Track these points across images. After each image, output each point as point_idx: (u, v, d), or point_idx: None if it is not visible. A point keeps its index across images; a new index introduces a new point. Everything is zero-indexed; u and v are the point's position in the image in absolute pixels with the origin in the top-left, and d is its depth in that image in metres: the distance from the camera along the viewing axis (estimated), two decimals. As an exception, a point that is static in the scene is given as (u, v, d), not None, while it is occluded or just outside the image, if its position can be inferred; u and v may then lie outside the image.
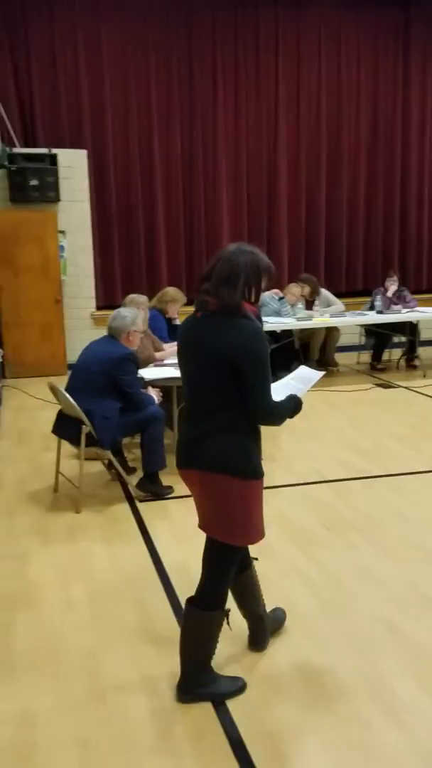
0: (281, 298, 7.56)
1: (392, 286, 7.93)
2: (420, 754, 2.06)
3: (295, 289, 7.58)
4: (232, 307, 2.14)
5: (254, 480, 2.19)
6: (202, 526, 2.28)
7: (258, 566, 2.58)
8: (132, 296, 5.15)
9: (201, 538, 3.60)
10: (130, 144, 8.50)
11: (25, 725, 2.24)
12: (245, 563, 2.46)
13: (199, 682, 2.31)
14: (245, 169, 9.02)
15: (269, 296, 7.55)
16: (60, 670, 2.53)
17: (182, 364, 2.30)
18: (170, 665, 2.52)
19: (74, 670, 2.52)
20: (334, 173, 9.37)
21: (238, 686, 2.35)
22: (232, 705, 2.30)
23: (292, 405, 2.28)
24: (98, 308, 8.44)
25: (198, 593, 2.29)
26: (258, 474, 2.20)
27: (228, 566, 2.26)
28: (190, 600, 2.31)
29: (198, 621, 2.27)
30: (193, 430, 2.20)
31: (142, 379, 4.39)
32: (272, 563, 3.27)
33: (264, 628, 2.60)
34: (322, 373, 2.60)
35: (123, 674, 2.49)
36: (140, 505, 4.10)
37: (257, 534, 2.26)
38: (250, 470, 2.17)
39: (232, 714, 2.26)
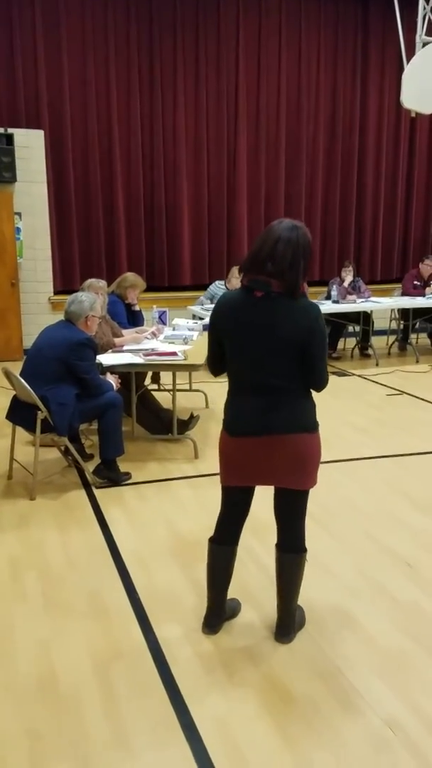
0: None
1: (348, 277, 8.05)
2: (370, 740, 2.13)
3: (235, 280, 7.60)
4: (296, 289, 2.31)
5: (318, 431, 2.49)
6: (282, 483, 2.48)
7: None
8: (90, 281, 5.09)
9: (158, 524, 3.63)
10: (88, 125, 8.36)
11: (-22, 714, 2.23)
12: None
13: (295, 619, 2.64)
14: (205, 158, 8.98)
15: (216, 286, 7.59)
16: (10, 660, 2.51)
17: (239, 344, 2.38)
18: (125, 653, 2.54)
19: (26, 661, 2.51)
20: (292, 164, 9.41)
21: (304, 613, 2.74)
22: (186, 691, 2.34)
23: None
24: (56, 292, 8.32)
25: (291, 541, 2.55)
26: (318, 426, 2.49)
27: (306, 507, 2.56)
28: (285, 550, 2.55)
29: (298, 564, 2.57)
30: (262, 401, 2.39)
31: (100, 365, 4.36)
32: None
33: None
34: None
35: (76, 663, 2.50)
36: (97, 492, 4.09)
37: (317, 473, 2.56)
38: (316, 424, 2.48)
39: (185, 699, 2.29)
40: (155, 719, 2.20)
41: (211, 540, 2.64)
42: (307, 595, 2.87)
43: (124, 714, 2.22)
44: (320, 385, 2.42)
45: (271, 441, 2.41)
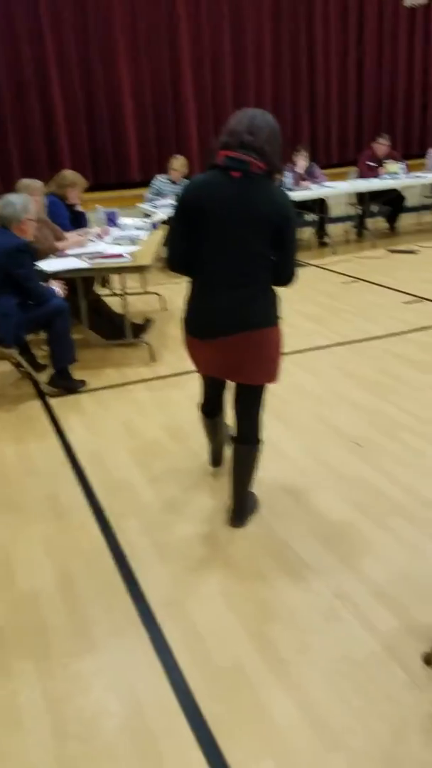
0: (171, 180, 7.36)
1: (301, 162, 7.76)
2: (319, 610, 2.25)
3: (176, 163, 7.31)
4: (275, 168, 2.24)
5: (278, 325, 2.45)
6: (246, 379, 2.48)
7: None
8: (25, 181, 4.79)
9: (116, 427, 3.64)
10: (15, 15, 7.65)
11: None
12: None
13: (249, 506, 2.72)
14: (145, 44, 8.35)
15: (159, 180, 7.33)
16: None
17: (212, 227, 2.25)
18: (84, 550, 2.61)
19: (-10, 564, 2.57)
20: (237, 43, 8.82)
21: (257, 499, 2.82)
22: (143, 580, 2.42)
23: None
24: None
25: (247, 432, 2.59)
26: (278, 318, 2.46)
27: (263, 402, 2.58)
28: (241, 441, 2.60)
29: (252, 453, 2.62)
30: (232, 296, 2.32)
31: (42, 271, 4.21)
32: (185, 442, 3.37)
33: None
34: None
35: (35, 562, 2.56)
36: (53, 402, 4.07)
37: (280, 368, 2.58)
38: (277, 318, 2.44)
39: (142, 587, 2.38)
40: (113, 609, 2.28)
41: (200, 409, 2.88)
42: (259, 479, 2.95)
43: (83, 606, 2.30)
44: (290, 279, 2.38)
45: (239, 338, 2.36)
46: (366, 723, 1.81)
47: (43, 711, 1.91)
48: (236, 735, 1.80)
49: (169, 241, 2.36)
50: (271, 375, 2.50)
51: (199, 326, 2.40)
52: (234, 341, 2.37)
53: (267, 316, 2.38)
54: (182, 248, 2.34)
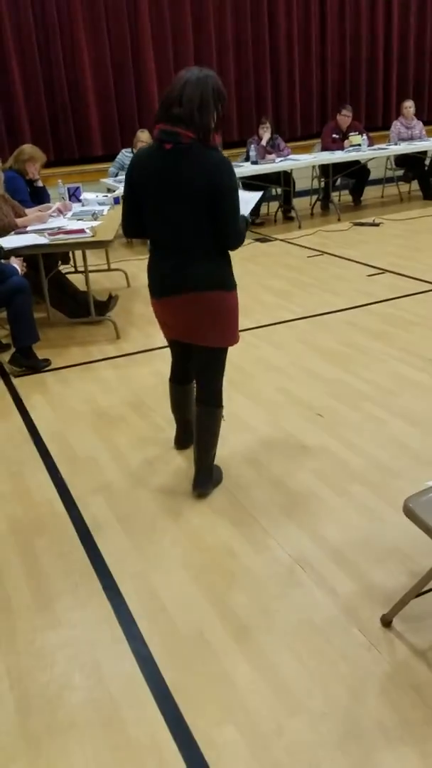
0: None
1: (265, 134, 7.70)
2: (280, 576, 2.28)
3: (143, 136, 7.22)
4: (207, 136, 2.26)
5: (235, 290, 2.54)
6: (200, 341, 2.54)
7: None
8: (-20, 158, 4.69)
9: (80, 404, 3.62)
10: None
11: None
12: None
13: (212, 472, 2.74)
14: (103, 6, 8.16)
15: (123, 154, 7.25)
16: None
17: (153, 198, 2.36)
18: (48, 526, 2.60)
19: None
20: (198, 17, 8.67)
21: (221, 471, 2.84)
22: (106, 554, 2.43)
23: (246, 226, 2.48)
24: None
25: (207, 396, 2.65)
26: (235, 285, 2.54)
27: (224, 365, 2.64)
28: (201, 403, 2.65)
29: (213, 417, 2.66)
30: (177, 260, 2.41)
31: (1, 248, 4.13)
32: (150, 417, 3.37)
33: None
34: (260, 193, 2.92)
35: (1, 546, 2.55)
36: (16, 381, 4.02)
37: (238, 332, 2.62)
38: (234, 284, 2.52)
39: (106, 561, 2.39)
40: (78, 584, 2.29)
41: (170, 379, 2.90)
42: (223, 452, 2.97)
43: (48, 582, 2.31)
44: (233, 244, 2.39)
45: (188, 299, 2.45)
46: (326, 685, 1.85)
47: (6, 688, 1.92)
48: (199, 702, 1.83)
49: (123, 210, 2.51)
50: (223, 339, 2.54)
51: (154, 286, 2.55)
52: (181, 302, 2.47)
53: (212, 280, 2.43)
54: (132, 217, 2.48)
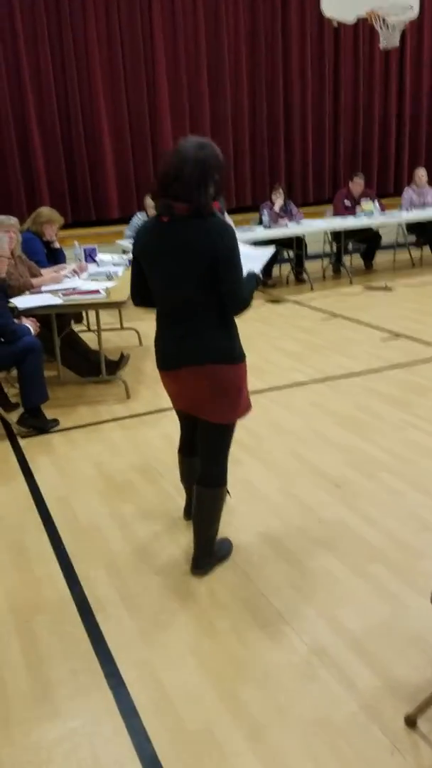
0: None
1: (278, 200, 7.82)
2: (295, 668, 2.13)
3: (151, 202, 7.33)
4: (206, 209, 2.22)
5: (244, 362, 2.44)
6: (202, 414, 2.44)
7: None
8: (-1, 218, 4.75)
9: (87, 469, 3.52)
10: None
11: None
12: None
13: (212, 552, 2.60)
14: (122, 81, 8.45)
15: (137, 217, 7.35)
16: None
17: (153, 271, 2.35)
18: (48, 604, 2.47)
19: None
20: (215, 84, 8.96)
21: (231, 545, 2.71)
22: (110, 639, 2.28)
23: (255, 286, 2.42)
24: (-28, 235, 7.84)
25: (208, 475, 2.51)
26: (244, 356, 2.44)
27: (230, 443, 2.52)
28: (200, 482, 2.51)
29: (214, 498, 2.53)
30: (177, 332, 2.37)
31: (15, 308, 4.12)
32: (158, 484, 3.25)
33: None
34: (272, 248, 2.79)
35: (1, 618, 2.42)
36: (22, 442, 3.94)
37: (249, 405, 2.54)
38: (240, 356, 2.41)
39: (109, 646, 2.25)
40: (78, 670, 2.14)
41: (178, 449, 2.77)
42: (234, 524, 2.84)
43: (47, 667, 2.16)
44: (236, 308, 2.33)
45: (188, 372, 2.38)
46: (345, 795, 1.69)
47: (-3, 786, 1.76)
48: None
49: (131, 281, 2.51)
50: (225, 414, 2.43)
51: (158, 357, 2.50)
52: (184, 375, 2.40)
53: (213, 352, 2.34)
54: (137, 286, 2.48)
